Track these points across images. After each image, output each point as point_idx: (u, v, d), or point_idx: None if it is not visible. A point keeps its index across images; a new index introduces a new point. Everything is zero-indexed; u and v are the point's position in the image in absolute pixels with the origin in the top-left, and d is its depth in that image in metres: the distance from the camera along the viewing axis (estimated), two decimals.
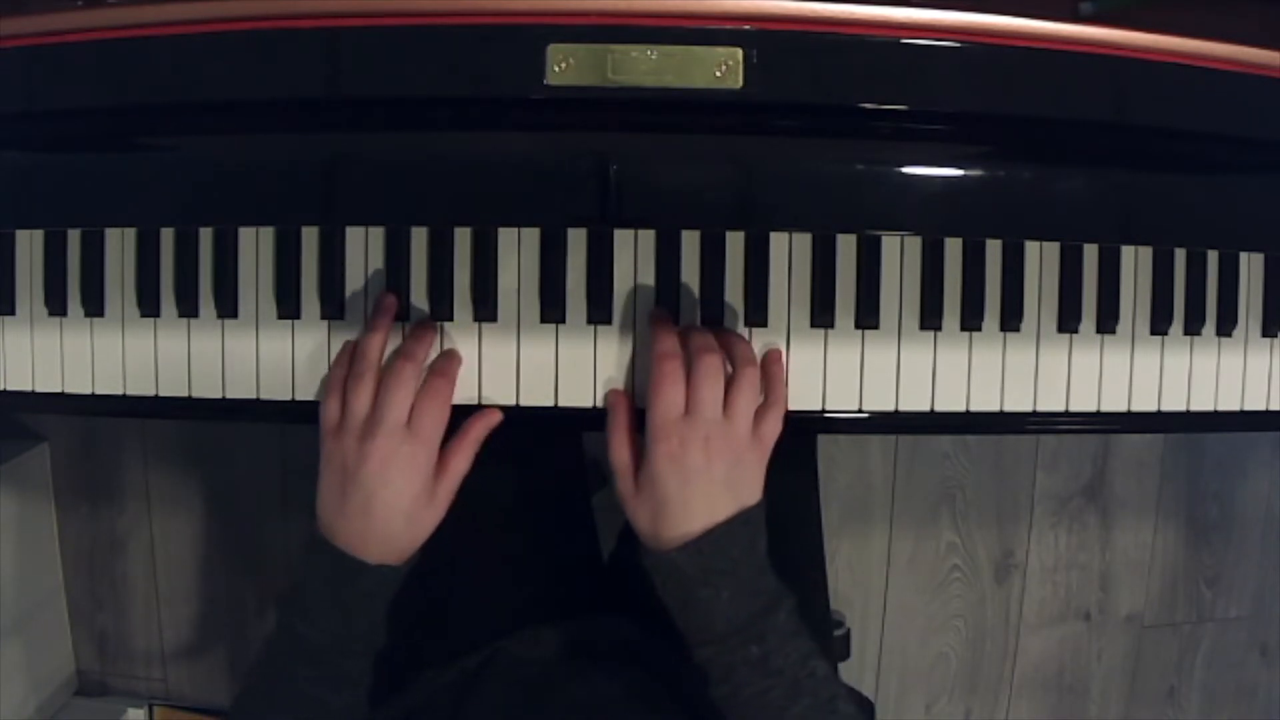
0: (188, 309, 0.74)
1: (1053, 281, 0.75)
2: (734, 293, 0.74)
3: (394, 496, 0.66)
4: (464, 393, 0.72)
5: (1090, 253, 0.75)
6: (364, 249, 0.74)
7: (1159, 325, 0.76)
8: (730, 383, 0.67)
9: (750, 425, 0.67)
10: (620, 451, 0.68)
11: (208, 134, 0.66)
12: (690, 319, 0.73)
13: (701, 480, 0.65)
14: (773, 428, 0.69)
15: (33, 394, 0.76)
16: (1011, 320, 0.74)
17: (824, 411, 0.74)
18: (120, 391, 0.75)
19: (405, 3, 0.63)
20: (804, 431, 0.78)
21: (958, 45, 0.64)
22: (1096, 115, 0.67)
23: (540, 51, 0.63)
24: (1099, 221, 0.68)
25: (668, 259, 0.73)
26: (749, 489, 0.67)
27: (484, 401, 0.73)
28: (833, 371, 0.74)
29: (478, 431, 0.70)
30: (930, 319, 0.74)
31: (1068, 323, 0.75)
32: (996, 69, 0.65)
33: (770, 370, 0.71)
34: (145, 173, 0.67)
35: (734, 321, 0.74)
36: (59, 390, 0.75)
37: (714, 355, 0.66)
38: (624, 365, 0.73)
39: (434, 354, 0.72)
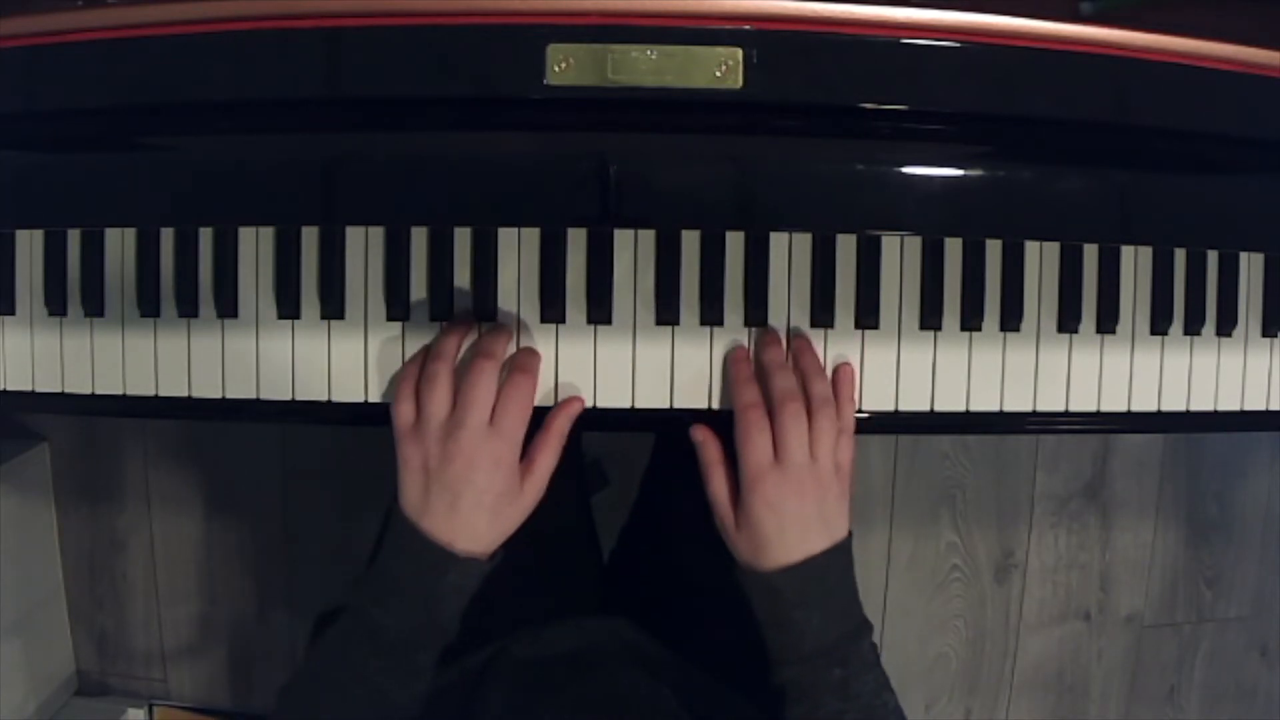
0: (187, 309, 0.74)
1: (1053, 281, 0.75)
2: (734, 292, 0.74)
3: (479, 495, 0.66)
4: None
5: (1090, 253, 0.75)
6: (364, 249, 0.73)
7: (1159, 325, 0.76)
8: (811, 424, 0.68)
9: (833, 462, 0.69)
10: (718, 489, 0.69)
11: (208, 134, 0.66)
12: (690, 318, 0.73)
13: (797, 522, 0.67)
14: (847, 455, 0.70)
15: (33, 394, 0.76)
16: (1011, 320, 0.74)
17: None
18: (120, 391, 0.75)
19: (405, 3, 0.63)
20: None
21: (958, 45, 0.64)
22: (1096, 115, 0.67)
23: (540, 51, 0.63)
24: (1099, 221, 0.68)
25: (668, 259, 0.73)
26: (838, 523, 0.69)
27: None
28: (832, 371, 0.74)
29: (561, 423, 0.70)
30: (930, 319, 0.74)
31: (1068, 323, 0.75)
32: (996, 69, 0.65)
33: (841, 393, 0.72)
34: (145, 173, 0.67)
35: (734, 322, 0.74)
36: (59, 390, 0.75)
37: (796, 403, 0.68)
38: (624, 365, 0.73)
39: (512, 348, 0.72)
